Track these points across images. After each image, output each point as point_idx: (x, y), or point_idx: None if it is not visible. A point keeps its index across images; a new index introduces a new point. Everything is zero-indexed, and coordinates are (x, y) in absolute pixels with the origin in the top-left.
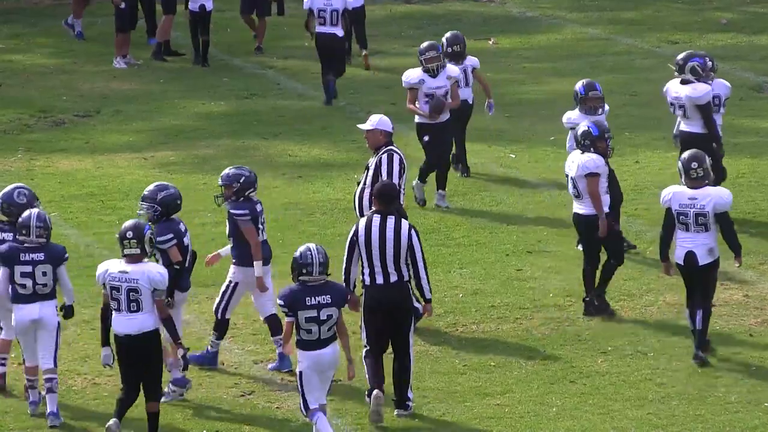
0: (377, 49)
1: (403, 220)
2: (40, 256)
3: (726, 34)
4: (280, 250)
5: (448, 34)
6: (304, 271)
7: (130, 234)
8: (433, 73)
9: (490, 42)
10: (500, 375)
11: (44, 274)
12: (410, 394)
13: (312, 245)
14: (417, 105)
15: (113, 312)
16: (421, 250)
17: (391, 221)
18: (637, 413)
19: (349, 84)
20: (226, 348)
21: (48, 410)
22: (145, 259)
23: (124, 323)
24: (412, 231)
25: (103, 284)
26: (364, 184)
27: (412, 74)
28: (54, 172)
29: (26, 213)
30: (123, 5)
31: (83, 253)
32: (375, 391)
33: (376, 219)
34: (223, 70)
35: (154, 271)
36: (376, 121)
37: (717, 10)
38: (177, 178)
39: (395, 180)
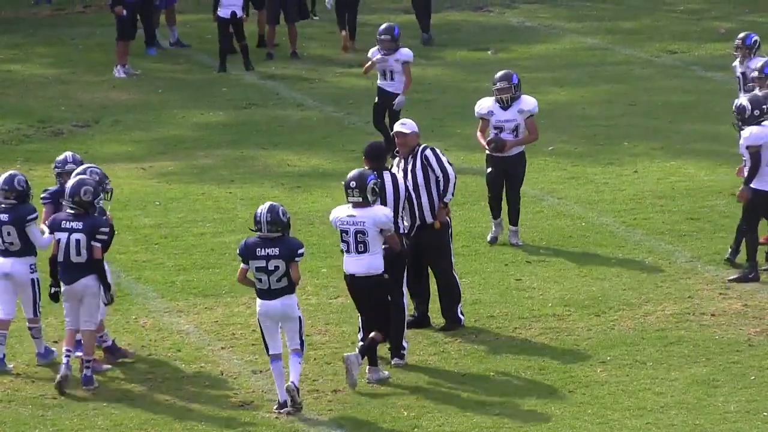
0: None
1: (396, 173)
2: (5, 217)
3: (725, 44)
4: None
5: (384, 25)
6: (256, 227)
7: (353, 184)
8: (504, 105)
9: (490, 52)
10: (499, 385)
11: (9, 234)
12: (405, 344)
13: (266, 206)
14: (487, 134)
15: (343, 253)
16: None
17: (387, 176)
18: (636, 423)
19: (348, 94)
20: (225, 358)
21: (36, 351)
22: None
23: (352, 264)
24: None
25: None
26: (415, 189)
27: (483, 104)
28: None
29: None
30: (125, 13)
31: None
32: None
33: None
34: (222, 80)
35: (379, 213)
36: (412, 124)
37: (715, 20)
38: (175, 188)
39: (449, 166)
